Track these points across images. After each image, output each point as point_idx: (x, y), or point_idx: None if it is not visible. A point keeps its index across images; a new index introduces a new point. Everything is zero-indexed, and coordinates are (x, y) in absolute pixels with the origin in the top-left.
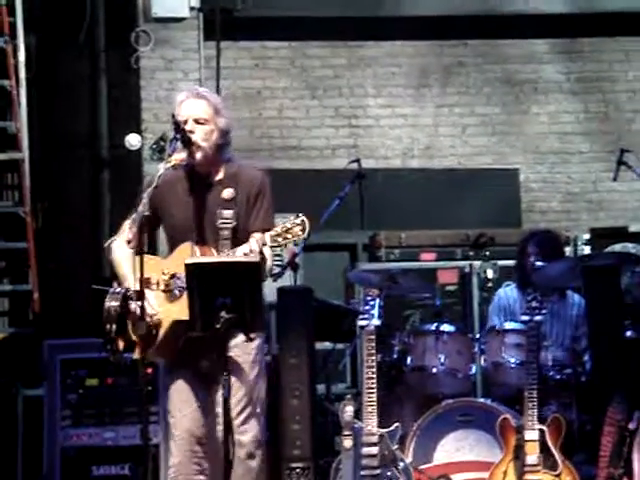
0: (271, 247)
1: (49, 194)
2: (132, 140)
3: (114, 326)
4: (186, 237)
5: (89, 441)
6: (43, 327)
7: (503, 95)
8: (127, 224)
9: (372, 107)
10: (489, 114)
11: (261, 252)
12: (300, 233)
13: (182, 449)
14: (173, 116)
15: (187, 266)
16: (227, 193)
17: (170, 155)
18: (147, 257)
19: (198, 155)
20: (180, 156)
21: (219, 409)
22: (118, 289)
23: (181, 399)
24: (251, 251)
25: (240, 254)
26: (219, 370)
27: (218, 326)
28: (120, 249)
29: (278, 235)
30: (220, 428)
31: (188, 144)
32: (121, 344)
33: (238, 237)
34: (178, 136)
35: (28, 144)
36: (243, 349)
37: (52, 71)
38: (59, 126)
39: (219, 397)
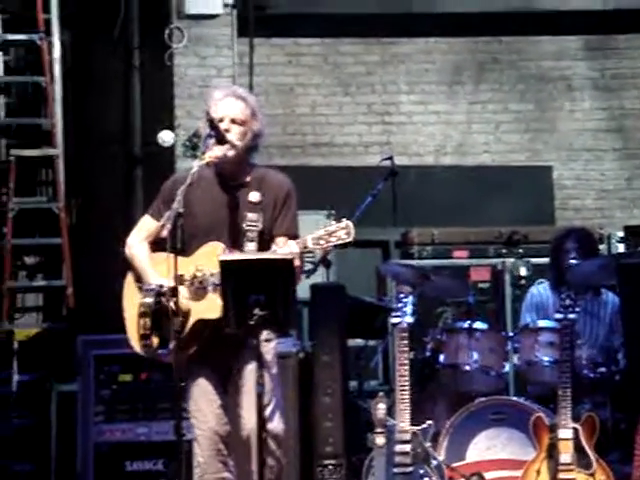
0: (312, 250)
1: (83, 190)
2: (165, 137)
3: (148, 322)
4: (209, 236)
5: (122, 437)
6: (77, 323)
7: (537, 92)
8: (145, 220)
9: (405, 104)
10: (522, 111)
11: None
12: (345, 237)
13: (207, 448)
14: (207, 113)
15: (221, 263)
16: (254, 196)
17: (204, 152)
18: (168, 255)
19: (230, 154)
20: (214, 153)
21: (242, 406)
22: (152, 285)
23: (203, 398)
24: (291, 254)
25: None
26: (241, 367)
27: (251, 323)
28: (139, 246)
29: (320, 238)
30: (245, 424)
31: (222, 142)
32: (155, 340)
33: (262, 241)
34: (213, 133)
35: (62, 140)
36: (266, 347)
37: (86, 67)
38: (93, 122)
39: (242, 394)
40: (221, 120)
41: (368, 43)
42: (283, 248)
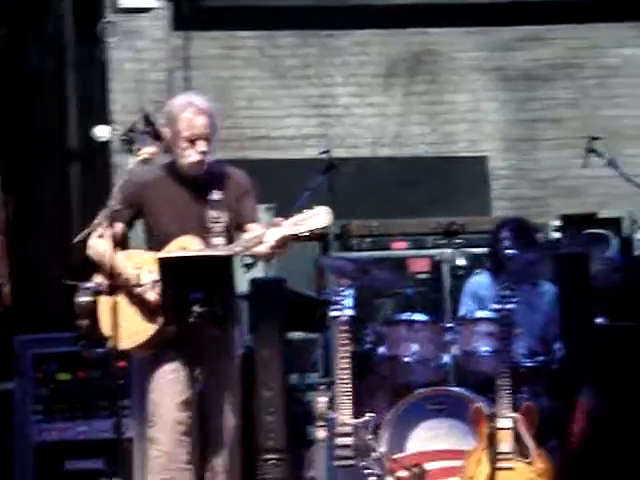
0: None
1: (19, 187)
2: (100, 132)
3: (86, 321)
4: (175, 235)
5: (61, 435)
6: (14, 321)
7: (471, 82)
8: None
9: (341, 96)
10: (457, 102)
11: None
12: (321, 223)
13: (172, 437)
14: (172, 120)
15: (160, 260)
16: (216, 195)
17: (139, 149)
18: (138, 251)
19: (202, 171)
20: (150, 150)
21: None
22: (90, 284)
23: (167, 389)
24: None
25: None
26: (200, 359)
27: (191, 320)
28: (102, 244)
29: (296, 224)
30: (218, 418)
31: (157, 138)
32: (93, 338)
33: (229, 235)
34: (148, 130)
35: None
36: (221, 340)
37: (19, 63)
38: (28, 119)
39: (214, 388)
40: (192, 141)
41: (304, 35)
42: (267, 234)
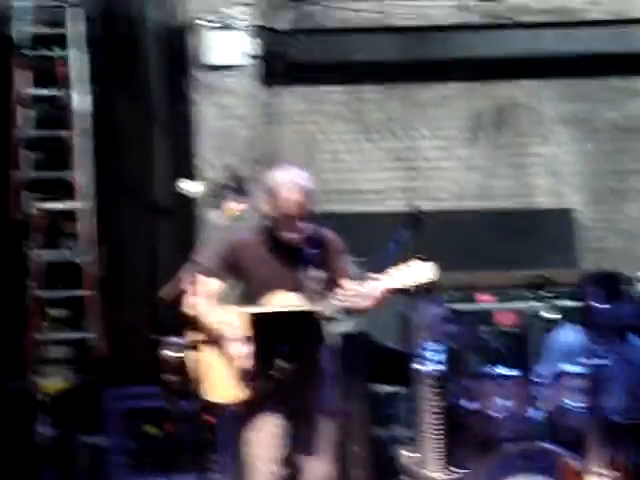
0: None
1: (108, 242)
2: (189, 187)
3: (173, 375)
4: (273, 291)
5: None
6: (104, 375)
7: (559, 134)
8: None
9: (427, 149)
10: (544, 154)
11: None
12: (427, 276)
13: None
14: (273, 193)
15: (251, 316)
16: (311, 253)
17: (227, 205)
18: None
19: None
20: (237, 206)
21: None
22: (176, 339)
23: (265, 442)
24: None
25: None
26: (296, 413)
27: (273, 374)
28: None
29: (400, 277)
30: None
31: (241, 193)
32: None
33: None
34: (232, 185)
35: (88, 193)
36: (318, 394)
37: (109, 121)
38: (116, 174)
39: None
40: (287, 214)
41: (389, 89)
42: (366, 285)
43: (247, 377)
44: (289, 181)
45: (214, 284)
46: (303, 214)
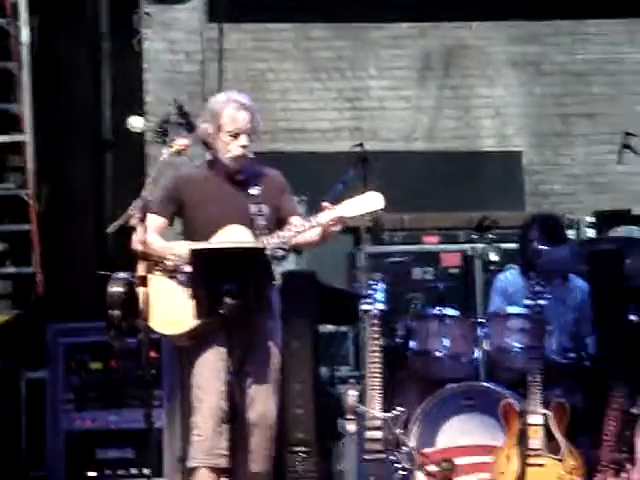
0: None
1: (52, 177)
2: (135, 122)
3: (117, 312)
4: (222, 226)
5: (93, 425)
6: (46, 310)
7: (506, 76)
8: (151, 218)
9: (375, 89)
10: (492, 96)
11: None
12: (374, 205)
13: (211, 423)
14: (215, 115)
15: (192, 252)
16: (255, 190)
17: (173, 140)
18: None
19: (243, 165)
20: (183, 142)
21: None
22: (122, 274)
23: (210, 376)
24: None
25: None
26: (243, 346)
27: (222, 311)
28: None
29: (350, 207)
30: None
31: (191, 130)
32: (125, 328)
33: (269, 229)
34: (183, 122)
35: (31, 126)
36: (270, 332)
37: (55, 53)
38: (62, 108)
39: (253, 377)
40: (235, 135)
41: (338, 28)
42: (320, 216)
43: (194, 311)
44: (229, 99)
45: (157, 220)
46: (246, 131)
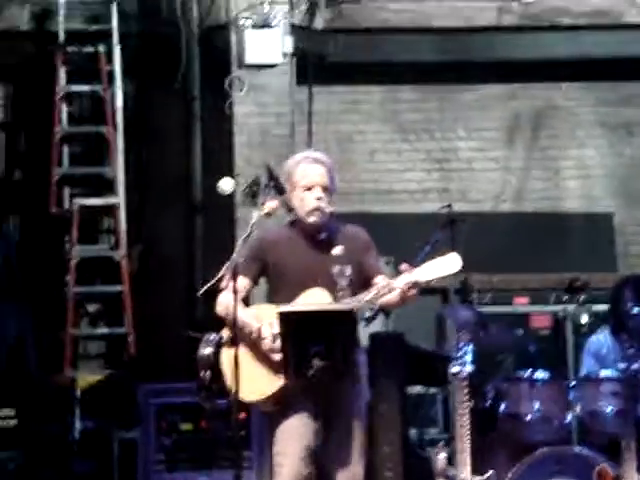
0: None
1: (144, 239)
2: (225, 185)
3: (208, 372)
4: (303, 288)
5: None
6: (138, 370)
7: (596, 138)
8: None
9: (463, 150)
10: (581, 157)
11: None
12: (452, 267)
13: None
14: (289, 174)
15: (280, 315)
16: (338, 250)
17: (263, 203)
18: (265, 305)
19: (321, 220)
20: (273, 204)
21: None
22: (212, 336)
23: (292, 441)
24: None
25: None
26: (328, 411)
27: (310, 372)
28: (227, 298)
29: (427, 270)
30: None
31: (281, 192)
32: (215, 389)
33: (352, 290)
34: (272, 184)
35: (124, 189)
36: (355, 396)
37: (147, 117)
38: (154, 171)
39: (339, 442)
40: (309, 188)
41: (426, 90)
42: (397, 280)
43: (280, 375)
44: (303, 156)
45: (242, 281)
46: (320, 185)
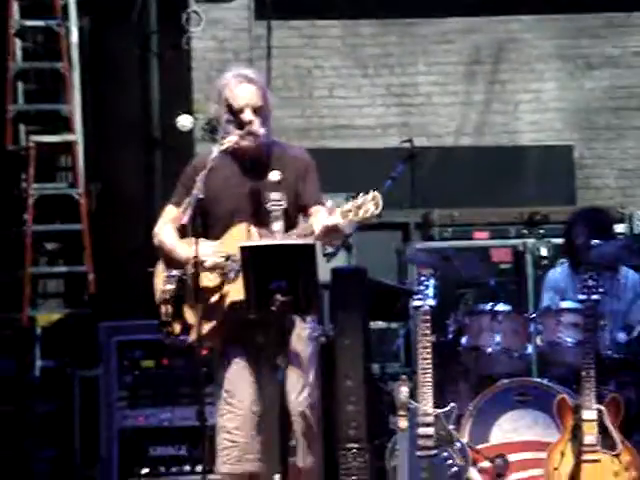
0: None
1: (102, 176)
2: (184, 121)
3: (170, 309)
4: (234, 219)
5: (146, 422)
6: (98, 308)
7: (556, 71)
8: (168, 208)
9: (423, 85)
10: (542, 90)
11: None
12: (373, 208)
13: (247, 428)
14: (226, 99)
15: (242, 249)
16: (274, 175)
17: (223, 137)
18: (193, 240)
19: (255, 142)
20: (233, 139)
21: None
22: (173, 272)
23: (239, 378)
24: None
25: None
26: (275, 348)
27: (273, 308)
28: (169, 232)
29: (349, 211)
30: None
31: (241, 127)
32: (177, 327)
33: (289, 217)
34: (232, 118)
35: (81, 126)
36: (299, 329)
37: (104, 53)
38: (111, 108)
39: (275, 374)
40: (241, 111)
41: (386, 24)
42: (329, 218)
43: (236, 310)
44: (233, 75)
45: (173, 210)
46: (251, 106)
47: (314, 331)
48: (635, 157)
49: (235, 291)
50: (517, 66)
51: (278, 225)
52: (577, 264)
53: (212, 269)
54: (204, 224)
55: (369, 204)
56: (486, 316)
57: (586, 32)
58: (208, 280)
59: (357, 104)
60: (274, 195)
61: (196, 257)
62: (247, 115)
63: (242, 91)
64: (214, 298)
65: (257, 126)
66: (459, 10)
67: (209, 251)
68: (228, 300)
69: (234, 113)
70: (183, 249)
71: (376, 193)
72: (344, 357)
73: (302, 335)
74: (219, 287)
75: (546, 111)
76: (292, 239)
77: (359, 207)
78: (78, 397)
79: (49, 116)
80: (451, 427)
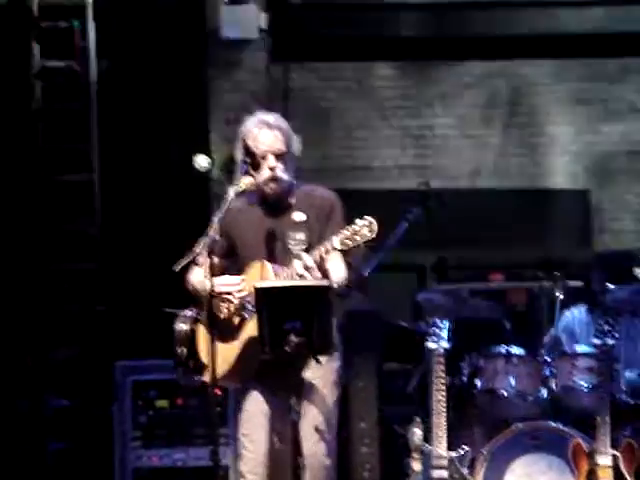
0: (341, 251)
1: (122, 217)
2: (201, 161)
3: (184, 349)
4: (257, 259)
5: (160, 462)
6: (114, 348)
7: (573, 115)
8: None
9: (440, 127)
10: (559, 134)
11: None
12: (368, 234)
13: (261, 471)
14: (242, 140)
15: (256, 290)
16: (298, 216)
17: (239, 178)
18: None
19: (279, 188)
20: (249, 180)
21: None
22: (189, 312)
23: (254, 421)
24: (306, 267)
25: (299, 268)
26: (292, 392)
27: (287, 349)
28: (196, 272)
29: (347, 238)
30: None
31: (257, 168)
32: (191, 366)
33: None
34: (248, 159)
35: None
36: (322, 371)
37: (123, 94)
38: (130, 149)
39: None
40: (264, 157)
41: (403, 66)
42: (304, 259)
43: (252, 351)
44: (256, 122)
45: (215, 258)
46: (274, 152)
47: (341, 377)
48: None
49: (250, 329)
50: (534, 110)
51: (299, 265)
52: (595, 308)
53: (227, 301)
54: (235, 266)
55: (364, 229)
56: (501, 359)
57: (603, 77)
58: (223, 316)
59: (374, 146)
60: (296, 235)
61: (212, 291)
62: (270, 162)
63: (264, 137)
64: (229, 335)
65: (280, 172)
66: (476, 54)
67: (226, 282)
68: (243, 338)
69: (254, 157)
70: (203, 284)
71: (372, 219)
72: (358, 399)
73: (329, 379)
74: (235, 325)
75: (563, 155)
76: (308, 280)
77: (355, 233)
78: (92, 436)
79: (69, 156)
80: (465, 471)
